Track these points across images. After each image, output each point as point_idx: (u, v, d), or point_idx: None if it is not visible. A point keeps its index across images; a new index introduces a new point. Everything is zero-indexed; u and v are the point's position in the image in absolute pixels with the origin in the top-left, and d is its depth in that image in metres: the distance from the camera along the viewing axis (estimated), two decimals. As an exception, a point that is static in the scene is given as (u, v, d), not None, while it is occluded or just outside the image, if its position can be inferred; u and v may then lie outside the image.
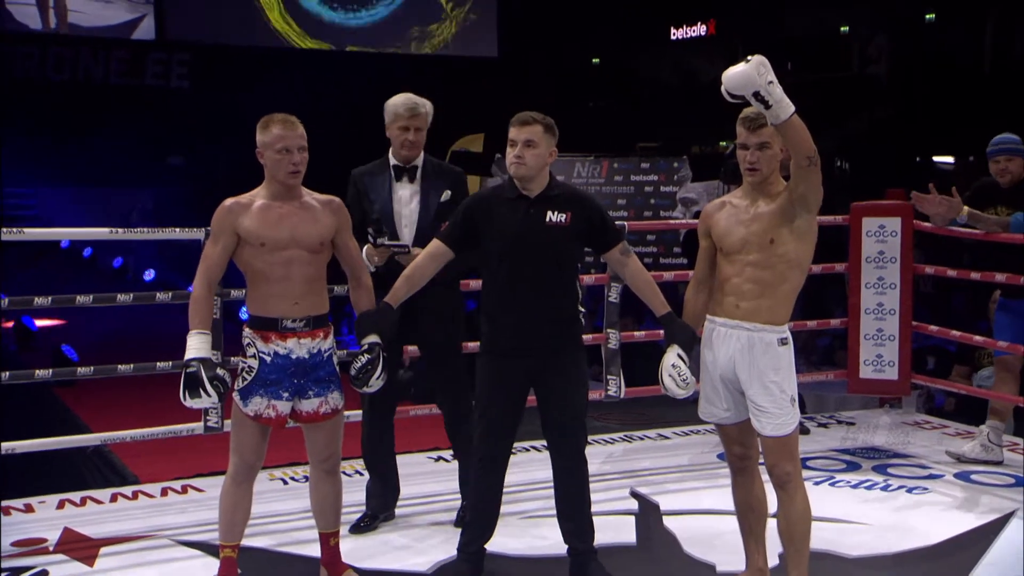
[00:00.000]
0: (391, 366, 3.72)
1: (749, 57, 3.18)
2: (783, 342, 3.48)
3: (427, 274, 3.78)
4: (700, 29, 19.86)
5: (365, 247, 4.00)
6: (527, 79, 18.73)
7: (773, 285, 3.46)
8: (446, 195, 4.26)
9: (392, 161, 4.28)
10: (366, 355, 3.59)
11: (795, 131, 3.27)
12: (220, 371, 3.47)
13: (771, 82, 3.18)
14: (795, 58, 18.39)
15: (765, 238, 3.45)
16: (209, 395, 3.43)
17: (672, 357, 3.60)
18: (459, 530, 3.92)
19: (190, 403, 3.47)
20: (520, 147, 3.64)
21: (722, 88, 3.25)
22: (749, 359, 3.46)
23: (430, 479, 5.01)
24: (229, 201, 3.56)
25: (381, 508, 4.44)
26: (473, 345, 4.18)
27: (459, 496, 4.39)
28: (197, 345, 3.46)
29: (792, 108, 3.23)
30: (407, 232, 4.23)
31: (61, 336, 9.80)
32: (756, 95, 3.19)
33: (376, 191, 4.23)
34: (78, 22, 18.82)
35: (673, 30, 20.24)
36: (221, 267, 3.56)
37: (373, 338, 3.61)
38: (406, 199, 4.25)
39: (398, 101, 4.26)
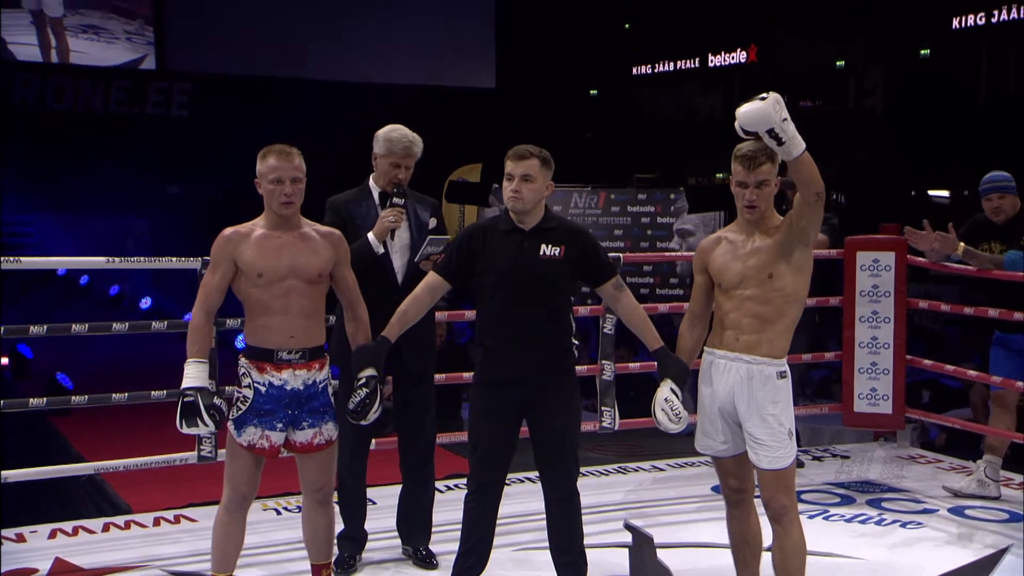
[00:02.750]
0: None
1: (764, 95, 3.20)
2: (782, 375, 3.50)
3: (424, 307, 3.79)
4: (696, 62, 20.00)
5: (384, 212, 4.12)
6: (524, 110, 18.85)
7: (771, 320, 3.48)
8: (432, 222, 4.29)
9: (376, 189, 4.27)
10: (364, 389, 3.59)
11: (806, 167, 3.30)
12: (217, 400, 3.47)
13: (785, 119, 3.20)
14: (791, 91, 18.51)
15: (763, 273, 3.47)
16: (206, 424, 3.44)
17: (665, 391, 3.60)
18: (451, 561, 3.90)
19: (186, 431, 3.48)
20: (517, 181, 3.65)
21: (736, 124, 3.27)
22: (748, 392, 3.48)
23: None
24: (228, 230, 3.58)
25: (357, 550, 4.37)
26: (467, 375, 4.19)
27: (453, 527, 4.35)
28: (194, 374, 3.47)
29: (803, 145, 3.25)
30: (398, 259, 4.20)
31: (56, 364, 9.78)
32: (770, 132, 3.21)
33: (362, 218, 4.18)
34: (80, 63, 18.93)
35: (670, 63, 20.39)
36: (220, 296, 3.57)
37: (370, 371, 3.61)
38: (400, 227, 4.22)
39: (394, 136, 4.22)
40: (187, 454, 4.79)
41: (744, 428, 3.51)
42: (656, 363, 3.71)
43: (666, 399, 3.59)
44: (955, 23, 16.19)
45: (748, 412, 3.48)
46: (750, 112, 3.21)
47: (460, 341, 8.54)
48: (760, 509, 3.64)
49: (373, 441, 4.78)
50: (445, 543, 4.31)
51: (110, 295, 16.63)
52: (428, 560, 4.33)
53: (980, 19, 15.76)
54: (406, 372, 4.26)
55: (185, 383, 3.46)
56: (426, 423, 4.34)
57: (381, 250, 4.13)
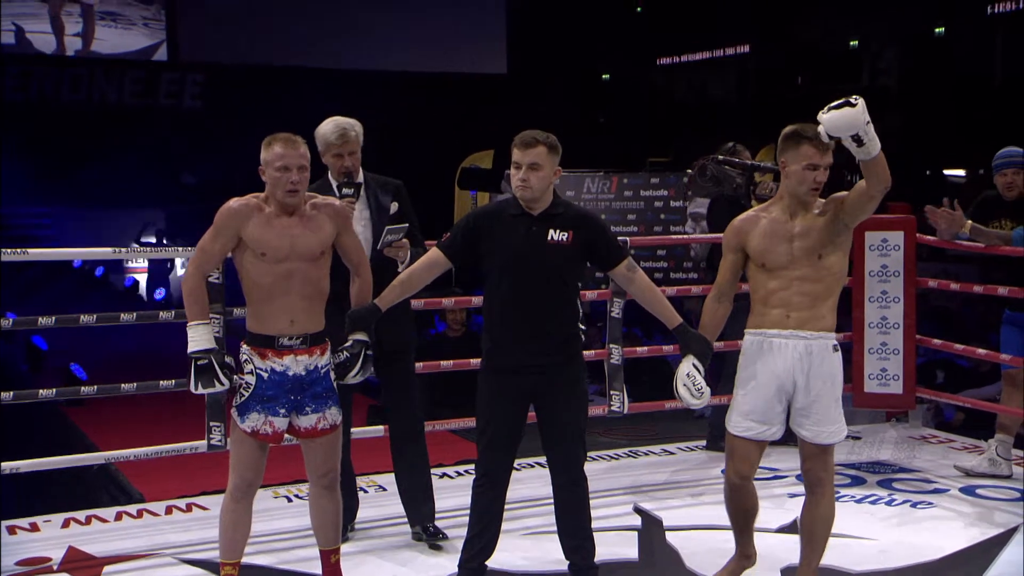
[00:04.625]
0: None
1: (853, 99, 3.29)
2: (836, 348, 3.61)
3: (422, 281, 3.81)
4: (709, 44, 19.88)
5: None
6: (536, 95, 18.77)
7: (822, 297, 3.58)
8: (394, 207, 4.30)
9: (334, 182, 4.27)
10: (346, 352, 3.62)
11: (881, 165, 3.42)
12: (228, 359, 3.54)
13: (868, 122, 3.30)
14: (806, 71, 18.41)
15: (814, 255, 3.56)
16: (223, 383, 3.50)
17: (687, 367, 3.64)
18: (460, 546, 3.92)
19: (201, 391, 3.54)
20: (525, 170, 3.65)
21: (820, 129, 3.36)
22: (808, 366, 3.56)
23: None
24: (237, 202, 3.57)
25: (348, 519, 4.39)
26: (475, 362, 4.19)
27: (462, 512, 4.35)
28: (200, 336, 3.52)
29: (879, 144, 3.37)
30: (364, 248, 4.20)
31: (71, 356, 9.85)
32: (854, 136, 3.31)
33: None
34: (99, 50, 18.99)
35: (683, 45, 20.27)
36: (217, 263, 3.66)
37: (360, 335, 3.64)
38: (356, 216, 4.20)
39: (327, 129, 4.24)
40: (198, 443, 4.80)
41: (798, 404, 3.59)
42: (677, 340, 3.73)
43: (688, 374, 3.63)
44: (969, 1, 16.07)
45: (807, 388, 3.57)
46: (840, 118, 3.31)
47: (475, 329, 8.54)
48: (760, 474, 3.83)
49: (382, 428, 4.81)
50: (454, 528, 4.33)
51: (125, 286, 16.71)
52: (437, 535, 4.38)
53: (996, 9, 15.64)
54: (384, 351, 4.24)
55: (193, 346, 3.51)
56: (411, 400, 4.38)
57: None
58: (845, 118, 3.29)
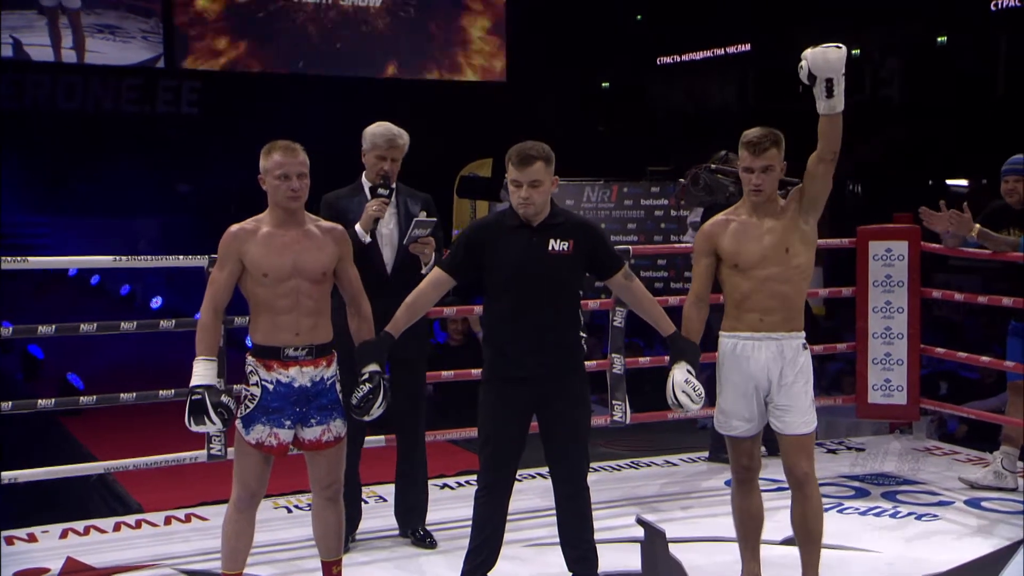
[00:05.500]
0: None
1: (838, 44, 3.40)
2: (805, 346, 3.69)
3: (429, 302, 3.79)
4: (710, 53, 19.86)
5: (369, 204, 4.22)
6: (536, 103, 18.77)
7: (791, 298, 3.66)
8: (423, 215, 4.36)
9: (367, 184, 4.36)
10: (367, 384, 3.57)
11: (837, 126, 3.55)
12: (225, 398, 3.47)
13: (844, 74, 3.43)
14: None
15: (781, 248, 3.62)
16: (213, 422, 3.44)
17: (683, 374, 3.68)
18: (462, 558, 3.88)
19: (195, 428, 3.49)
20: (527, 188, 3.62)
21: (805, 63, 3.47)
22: (781, 364, 3.65)
23: (432, 506, 4.96)
24: (235, 227, 3.58)
25: (350, 530, 4.38)
26: (476, 372, 4.16)
27: (464, 524, 4.31)
28: (202, 372, 3.48)
29: (843, 105, 3.49)
30: (388, 251, 4.32)
31: (67, 365, 9.81)
32: (829, 81, 3.44)
33: (354, 212, 4.27)
34: (95, 62, 18.92)
35: (682, 54, 20.27)
36: (228, 292, 3.58)
37: (373, 367, 3.60)
38: (384, 219, 4.30)
39: (378, 131, 4.35)
40: (197, 453, 4.78)
41: (772, 400, 3.67)
42: (670, 347, 3.75)
43: (686, 381, 3.67)
44: (972, 9, 16.06)
45: (779, 383, 3.65)
46: (831, 53, 3.41)
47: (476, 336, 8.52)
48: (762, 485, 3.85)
49: (384, 439, 4.79)
50: (456, 539, 4.30)
51: (121, 295, 16.67)
52: (425, 539, 4.43)
53: (1000, 4, 15.61)
54: (397, 358, 4.21)
55: (193, 381, 3.47)
56: (417, 409, 4.42)
57: (367, 239, 4.21)
58: (833, 54, 3.41)
